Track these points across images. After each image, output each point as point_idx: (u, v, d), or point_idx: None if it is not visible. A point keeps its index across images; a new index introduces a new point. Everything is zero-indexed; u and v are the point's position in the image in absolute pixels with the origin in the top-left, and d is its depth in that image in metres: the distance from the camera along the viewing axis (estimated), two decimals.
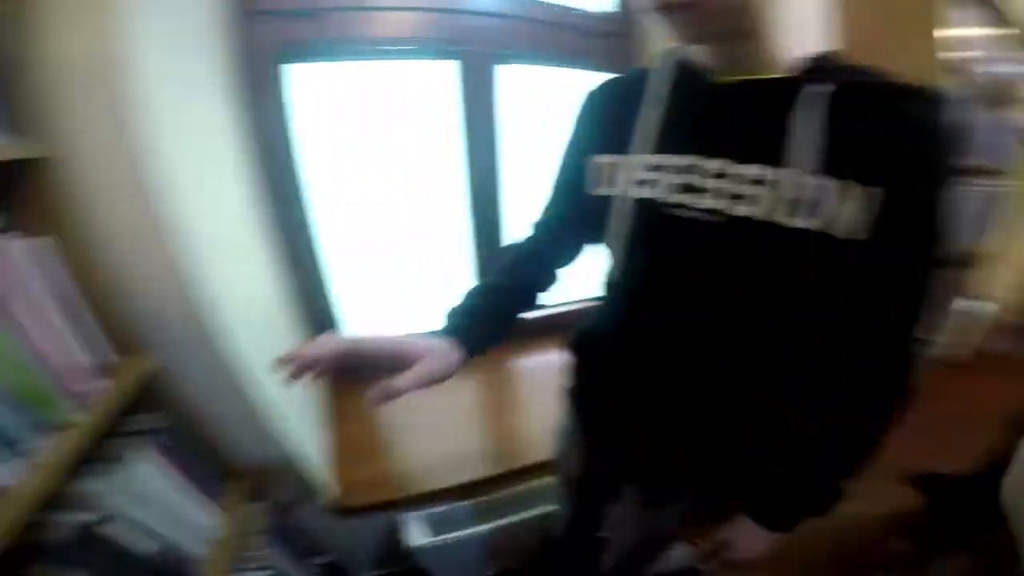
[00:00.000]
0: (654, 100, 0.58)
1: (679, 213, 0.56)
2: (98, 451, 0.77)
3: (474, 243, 1.48)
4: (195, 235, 0.85)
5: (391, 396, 0.52)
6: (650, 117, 0.58)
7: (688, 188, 0.55)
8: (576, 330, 0.77)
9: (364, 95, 1.24)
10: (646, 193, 0.58)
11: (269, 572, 0.99)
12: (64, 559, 0.63)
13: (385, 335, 0.58)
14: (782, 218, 0.50)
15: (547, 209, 0.77)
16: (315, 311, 1.40)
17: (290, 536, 1.12)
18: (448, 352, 0.59)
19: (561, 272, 0.78)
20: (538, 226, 0.77)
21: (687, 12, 0.46)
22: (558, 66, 1.37)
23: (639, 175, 0.58)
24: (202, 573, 0.82)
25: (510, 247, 0.78)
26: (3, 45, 0.67)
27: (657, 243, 0.59)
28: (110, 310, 0.81)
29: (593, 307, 0.76)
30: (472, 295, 0.69)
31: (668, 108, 0.57)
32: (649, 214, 0.58)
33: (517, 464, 1.19)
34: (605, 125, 0.65)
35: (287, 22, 1.09)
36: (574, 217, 0.71)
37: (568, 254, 0.77)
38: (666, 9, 0.47)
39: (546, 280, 0.77)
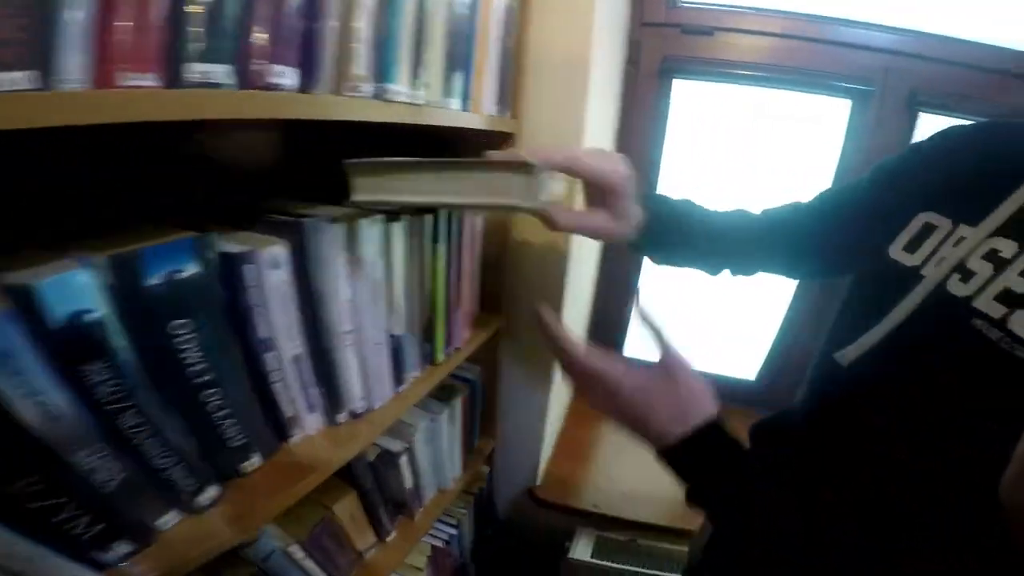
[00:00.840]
0: None
1: (987, 332, 0.38)
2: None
3: None
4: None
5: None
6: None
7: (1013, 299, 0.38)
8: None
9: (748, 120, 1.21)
10: (958, 288, 0.41)
11: (455, 526, 1.06)
12: (356, 474, 0.73)
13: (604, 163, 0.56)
14: None
15: (803, 212, 0.64)
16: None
17: (483, 503, 1.22)
18: (631, 220, 0.60)
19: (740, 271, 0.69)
20: (784, 221, 0.65)
21: None
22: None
23: (966, 258, 0.42)
24: (416, 514, 0.92)
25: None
26: (509, 33, 0.77)
27: (934, 350, 0.42)
28: (499, 267, 0.96)
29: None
30: (691, 205, 0.67)
31: None
32: (948, 312, 0.41)
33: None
34: (958, 178, 0.47)
35: (683, 36, 1.12)
36: (825, 246, 0.60)
37: (767, 266, 0.68)
38: None
39: (736, 262, 0.68)
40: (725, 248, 0.66)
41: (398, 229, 0.62)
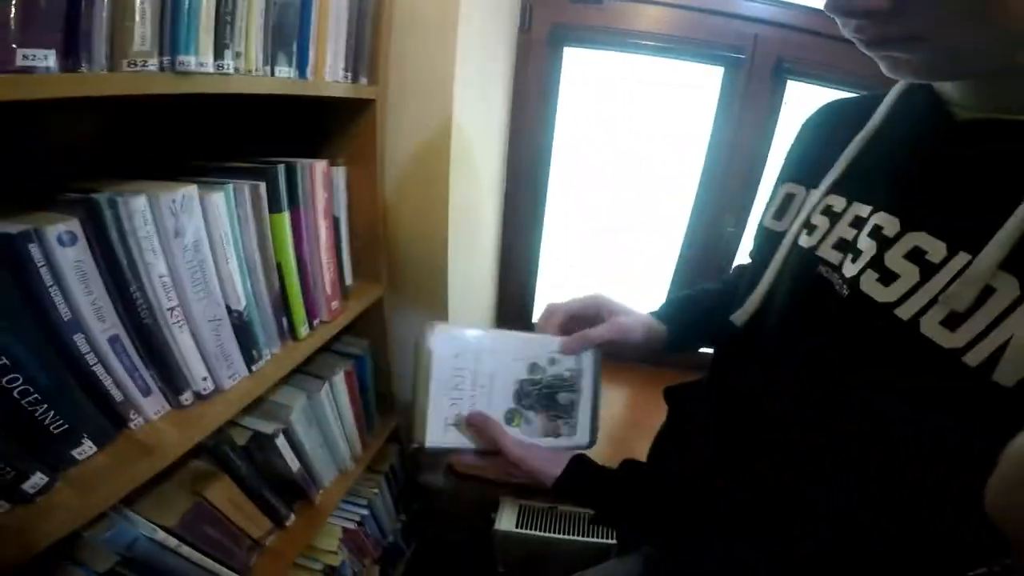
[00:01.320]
0: (870, 128, 0.46)
1: (828, 276, 0.44)
2: (304, 363, 0.88)
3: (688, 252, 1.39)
4: (459, 188, 0.99)
5: (588, 343, 0.56)
6: (857, 148, 0.46)
7: (845, 245, 0.43)
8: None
9: (629, 87, 1.25)
10: (805, 240, 0.48)
11: (366, 507, 1.08)
12: (224, 458, 0.73)
13: (598, 298, 0.61)
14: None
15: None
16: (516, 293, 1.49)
17: (400, 481, 1.23)
18: (647, 323, 0.61)
19: None
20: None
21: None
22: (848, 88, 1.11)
23: (810, 215, 0.48)
24: (315, 497, 0.92)
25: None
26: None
27: (797, 303, 0.48)
28: (372, 235, 0.95)
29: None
30: (684, 293, 0.70)
31: (881, 140, 0.45)
32: (801, 264, 0.48)
33: None
34: (812, 150, 0.54)
35: (572, 5, 1.14)
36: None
37: None
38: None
39: None
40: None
41: (219, 199, 0.61)
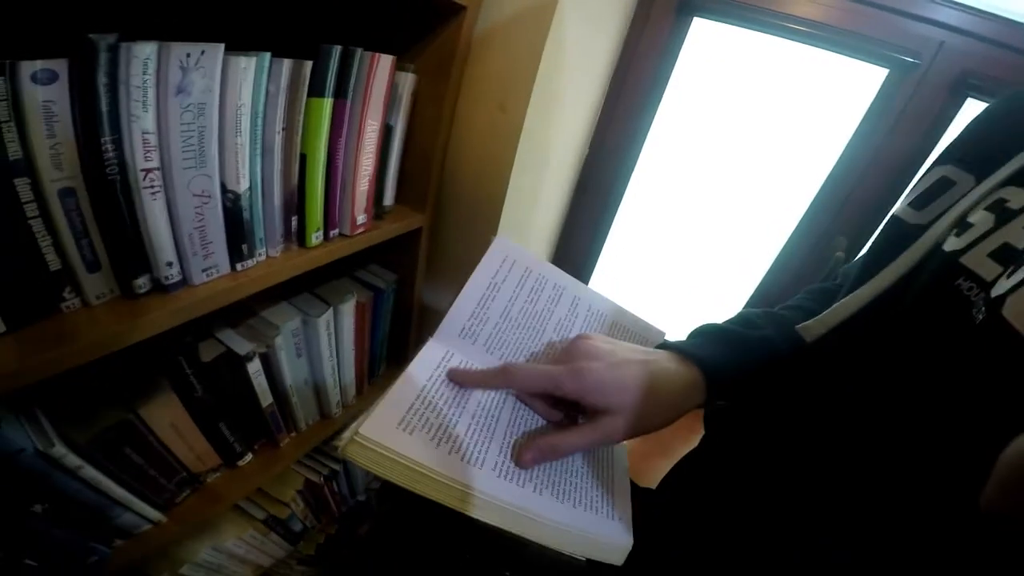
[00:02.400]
0: None
1: (967, 291, 0.31)
2: (316, 284, 0.75)
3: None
4: (531, 142, 0.82)
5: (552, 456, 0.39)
6: None
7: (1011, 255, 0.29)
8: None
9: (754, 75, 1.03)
10: (951, 244, 0.33)
11: (342, 462, 0.93)
12: (178, 373, 0.58)
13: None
14: None
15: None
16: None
17: None
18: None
19: None
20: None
21: None
22: None
23: (969, 211, 0.34)
24: (281, 441, 0.78)
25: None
26: None
27: (903, 321, 0.35)
28: (428, 158, 0.79)
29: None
30: (736, 317, 0.50)
31: None
32: (936, 273, 0.33)
33: None
34: (992, 137, 0.38)
35: None
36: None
37: None
38: None
39: None
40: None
41: (247, 64, 0.46)
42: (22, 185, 0.38)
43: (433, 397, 0.39)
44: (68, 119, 0.38)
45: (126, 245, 0.44)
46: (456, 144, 0.81)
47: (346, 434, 0.33)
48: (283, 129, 0.53)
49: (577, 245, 1.27)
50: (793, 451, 0.39)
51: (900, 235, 0.37)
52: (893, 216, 0.39)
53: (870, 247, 0.41)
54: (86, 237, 0.43)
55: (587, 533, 0.36)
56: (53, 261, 0.41)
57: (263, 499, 0.83)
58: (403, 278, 0.87)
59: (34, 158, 0.38)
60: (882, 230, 0.40)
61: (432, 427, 0.36)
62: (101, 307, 0.45)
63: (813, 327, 0.39)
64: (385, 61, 0.60)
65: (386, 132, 0.68)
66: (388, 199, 0.75)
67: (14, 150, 0.37)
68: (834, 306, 0.38)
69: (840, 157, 1.00)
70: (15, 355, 0.39)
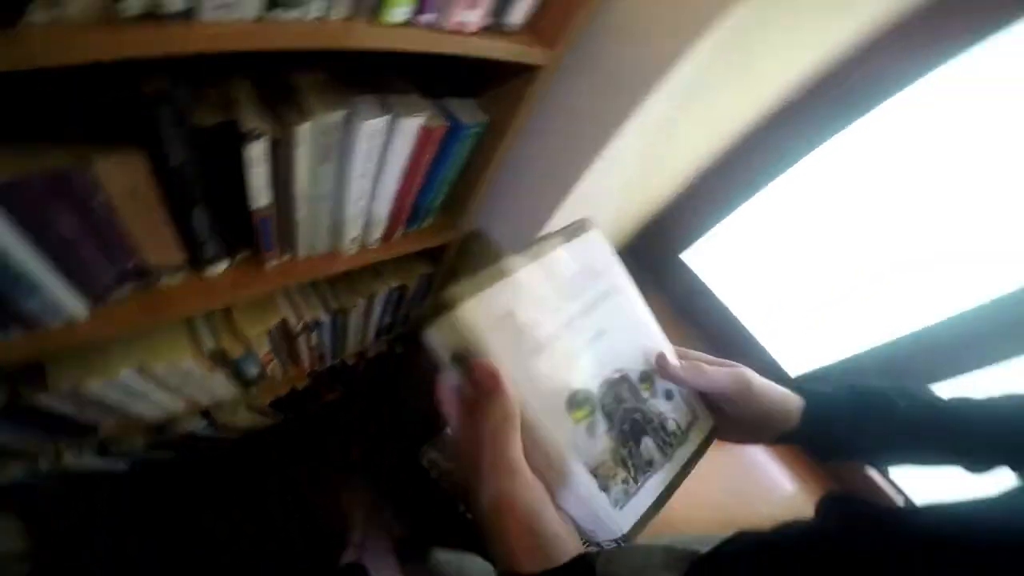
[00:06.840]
0: None
1: None
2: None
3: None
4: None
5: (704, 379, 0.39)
6: None
7: None
8: None
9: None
10: None
11: (333, 313, 0.76)
12: (159, 124, 0.38)
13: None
14: None
15: None
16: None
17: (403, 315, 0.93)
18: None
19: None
20: None
21: None
22: None
23: None
24: (267, 261, 0.60)
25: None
26: None
27: None
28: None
29: None
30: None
31: None
32: None
33: None
34: None
35: None
36: None
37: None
38: None
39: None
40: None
41: None
42: None
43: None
44: None
45: None
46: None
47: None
48: None
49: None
50: None
51: None
52: None
53: None
54: None
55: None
56: None
57: (223, 325, 0.66)
58: (496, 123, 0.62)
59: None
60: None
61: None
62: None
63: None
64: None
65: None
66: (517, 15, 0.50)
67: None
68: None
69: None
70: None
